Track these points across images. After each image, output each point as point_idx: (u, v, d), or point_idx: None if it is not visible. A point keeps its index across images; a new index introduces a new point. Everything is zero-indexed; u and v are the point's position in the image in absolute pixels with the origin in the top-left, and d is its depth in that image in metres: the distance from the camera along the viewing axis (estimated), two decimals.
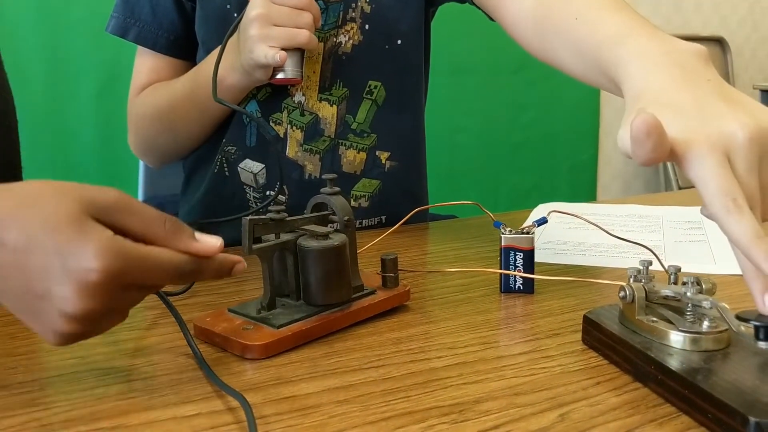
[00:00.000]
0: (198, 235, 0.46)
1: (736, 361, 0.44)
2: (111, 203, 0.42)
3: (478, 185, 2.71)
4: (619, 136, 0.46)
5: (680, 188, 2.87)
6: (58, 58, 1.92)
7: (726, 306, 0.45)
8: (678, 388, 0.43)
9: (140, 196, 1.18)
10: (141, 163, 1.14)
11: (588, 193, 3.02)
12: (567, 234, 0.83)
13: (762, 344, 0.42)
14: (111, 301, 0.41)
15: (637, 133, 0.41)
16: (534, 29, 0.70)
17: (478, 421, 0.41)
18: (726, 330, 0.46)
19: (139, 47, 0.91)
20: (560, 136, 2.83)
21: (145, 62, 0.91)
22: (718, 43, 3.39)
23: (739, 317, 0.42)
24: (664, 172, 3.13)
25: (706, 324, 0.46)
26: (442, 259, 0.76)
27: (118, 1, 0.90)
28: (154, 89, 0.90)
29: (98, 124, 1.98)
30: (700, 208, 0.46)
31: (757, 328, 0.41)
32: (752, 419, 0.37)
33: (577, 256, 0.75)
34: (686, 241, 0.79)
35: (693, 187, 0.44)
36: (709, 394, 0.40)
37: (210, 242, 0.46)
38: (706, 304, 0.46)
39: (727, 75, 3.39)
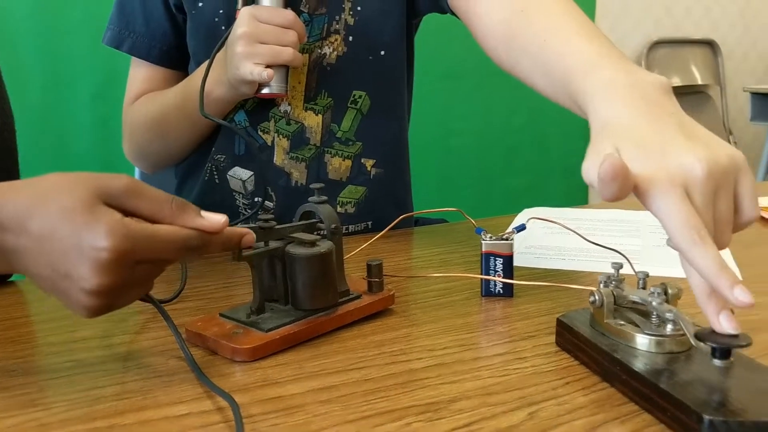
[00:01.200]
0: (204, 213, 0.49)
1: (697, 363, 0.47)
2: (121, 189, 0.47)
3: (472, 188, 2.74)
4: (584, 168, 0.48)
5: None
6: (55, 62, 1.95)
7: (688, 319, 0.47)
8: (640, 388, 0.45)
9: None
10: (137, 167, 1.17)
11: (581, 195, 3.05)
12: (549, 239, 0.86)
13: (717, 362, 0.44)
14: (125, 276, 0.45)
15: (604, 176, 0.44)
16: (503, 45, 0.72)
17: (452, 419, 0.44)
18: None
19: (134, 58, 0.94)
20: (553, 139, 2.86)
21: (139, 72, 0.94)
22: (709, 45, 3.42)
23: (697, 337, 0.44)
24: None
25: (669, 327, 0.48)
26: (427, 263, 0.79)
27: (113, 14, 0.92)
28: (148, 99, 0.92)
29: (95, 128, 2.01)
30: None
31: (713, 349, 0.44)
32: (706, 417, 0.40)
33: (557, 261, 0.77)
34: (663, 245, 0.81)
35: None
36: (668, 393, 0.43)
37: (215, 218, 0.49)
38: (669, 315, 0.48)
39: (718, 77, 3.42)
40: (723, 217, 0.47)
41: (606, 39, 0.62)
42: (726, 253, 0.85)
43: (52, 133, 1.97)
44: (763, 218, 0.96)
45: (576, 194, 3.01)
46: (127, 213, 0.47)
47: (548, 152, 2.87)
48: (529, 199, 2.93)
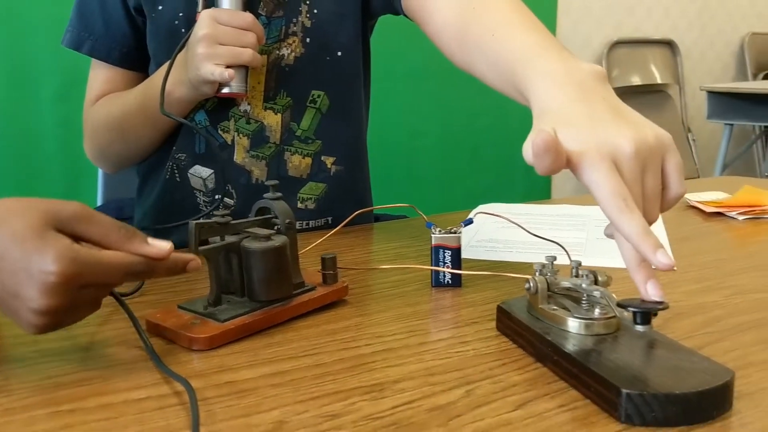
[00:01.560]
0: (150, 240, 0.52)
1: (622, 344, 0.51)
2: (71, 215, 0.49)
3: (438, 187, 2.78)
4: (524, 148, 0.51)
5: None
6: (18, 63, 1.94)
7: (614, 295, 0.51)
8: (569, 367, 0.49)
9: (99, 199, 1.21)
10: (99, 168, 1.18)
11: (543, 193, 3.11)
12: (499, 233, 0.90)
13: (639, 327, 0.48)
14: (72, 298, 0.48)
15: (537, 149, 0.48)
16: (455, 40, 0.76)
17: (394, 397, 0.47)
18: (615, 316, 0.52)
19: (94, 59, 0.96)
20: (515, 139, 2.91)
21: (99, 73, 0.96)
22: (668, 45, 3.51)
23: (619, 304, 0.49)
24: None
25: (597, 311, 0.52)
26: (383, 257, 0.82)
27: (73, 16, 0.94)
28: (108, 100, 0.94)
29: (59, 128, 2.01)
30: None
31: (634, 313, 0.48)
32: (624, 390, 0.44)
33: (505, 253, 0.81)
34: (606, 238, 0.86)
35: None
36: (593, 371, 0.47)
37: (161, 245, 0.52)
38: (596, 293, 0.52)
39: (677, 76, 3.51)
40: (651, 192, 0.51)
41: (548, 33, 0.67)
42: (659, 228, 0.90)
43: (15, 133, 1.96)
44: (701, 210, 1.01)
45: (539, 192, 3.08)
46: (76, 238, 0.49)
47: (511, 152, 2.93)
48: (493, 198, 2.98)
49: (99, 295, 0.52)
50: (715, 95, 2.99)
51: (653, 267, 0.48)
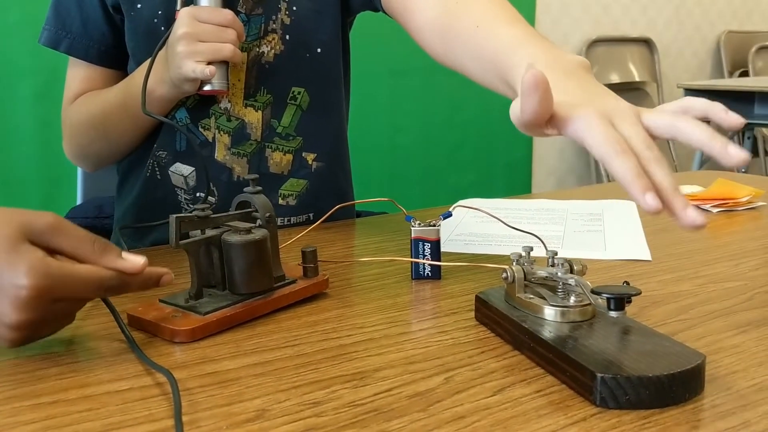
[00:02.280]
0: (125, 254, 0.53)
1: (597, 330, 0.52)
2: (45, 227, 0.49)
3: (420, 184, 2.79)
4: (511, 108, 0.51)
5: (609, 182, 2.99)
6: None
7: (588, 283, 0.53)
8: (545, 353, 0.50)
9: (79, 198, 1.21)
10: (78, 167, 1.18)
11: (523, 189, 3.13)
12: (478, 227, 0.91)
13: (613, 313, 0.49)
14: (45, 312, 0.49)
15: (526, 86, 0.47)
16: (438, 37, 0.77)
17: (375, 385, 0.48)
18: (590, 304, 0.53)
19: (71, 57, 0.95)
20: (496, 135, 2.94)
21: (78, 72, 0.95)
22: (645, 43, 3.54)
23: (594, 291, 0.50)
24: (596, 168, 3.27)
25: (572, 299, 0.53)
26: (364, 251, 0.83)
27: (50, 14, 0.94)
28: (87, 98, 0.94)
29: (38, 127, 1.99)
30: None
31: (608, 300, 0.49)
32: (599, 375, 0.45)
33: (484, 246, 0.82)
34: (584, 231, 0.87)
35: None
36: (568, 356, 0.48)
37: (135, 260, 0.53)
38: (571, 281, 0.54)
39: (654, 74, 3.55)
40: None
41: (531, 26, 0.68)
42: (635, 221, 0.92)
43: None
44: None
45: (519, 188, 3.10)
46: (50, 250, 0.49)
47: (492, 148, 2.95)
48: (474, 194, 3.01)
49: (73, 308, 0.52)
50: (691, 92, 3.03)
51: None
